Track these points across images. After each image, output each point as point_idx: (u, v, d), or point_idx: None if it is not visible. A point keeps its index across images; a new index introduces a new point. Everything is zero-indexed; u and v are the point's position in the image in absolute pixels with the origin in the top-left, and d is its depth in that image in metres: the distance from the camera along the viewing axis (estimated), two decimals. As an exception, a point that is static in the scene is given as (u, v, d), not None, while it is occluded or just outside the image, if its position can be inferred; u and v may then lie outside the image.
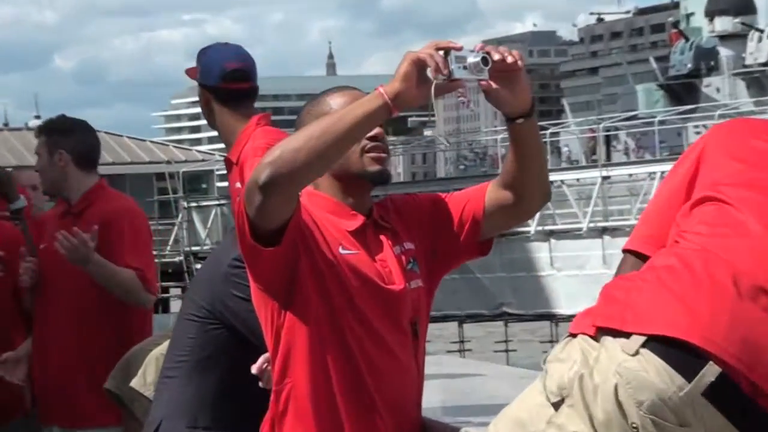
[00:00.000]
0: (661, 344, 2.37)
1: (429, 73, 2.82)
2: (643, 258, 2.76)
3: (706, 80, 66.91)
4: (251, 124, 5.10)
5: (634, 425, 2.39)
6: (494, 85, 2.96)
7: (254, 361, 3.64)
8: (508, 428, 2.67)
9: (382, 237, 3.28)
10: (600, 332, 2.46)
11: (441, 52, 2.84)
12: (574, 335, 2.53)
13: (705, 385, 2.34)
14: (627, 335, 2.41)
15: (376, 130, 3.18)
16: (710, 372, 2.35)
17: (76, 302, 6.38)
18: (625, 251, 2.91)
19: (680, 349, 2.36)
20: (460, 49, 2.89)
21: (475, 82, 2.93)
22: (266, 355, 3.50)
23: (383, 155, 3.26)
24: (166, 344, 4.96)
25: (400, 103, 2.88)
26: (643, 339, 2.38)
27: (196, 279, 5.29)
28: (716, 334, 2.37)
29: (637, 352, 2.38)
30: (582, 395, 2.45)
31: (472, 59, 2.88)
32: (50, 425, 6.49)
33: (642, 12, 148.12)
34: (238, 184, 4.97)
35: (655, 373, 2.36)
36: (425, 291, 3.34)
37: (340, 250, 3.15)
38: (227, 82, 5.16)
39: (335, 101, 3.27)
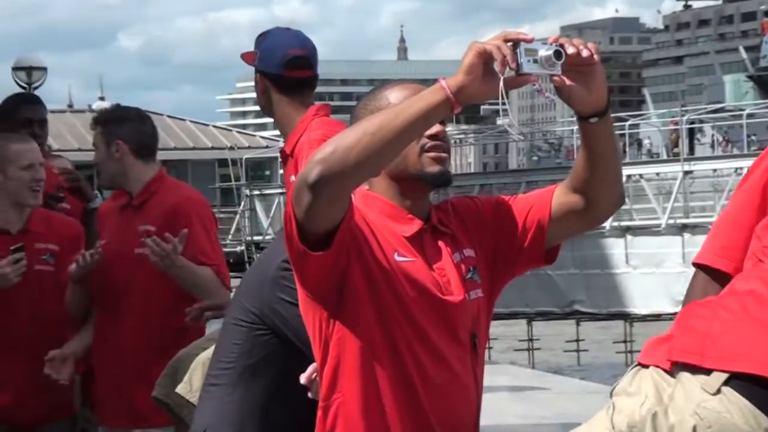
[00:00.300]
0: (746, 383, 2.29)
1: (495, 66, 2.70)
2: (716, 273, 2.77)
3: None
4: (309, 115, 5.07)
5: None
6: (567, 82, 2.79)
7: (303, 370, 3.60)
8: None
9: (440, 243, 3.15)
10: (676, 366, 2.40)
11: (510, 44, 2.71)
12: (644, 365, 2.48)
13: None
14: (707, 372, 2.32)
15: (437, 128, 3.04)
16: None
17: (140, 301, 6.22)
18: (696, 265, 2.90)
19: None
20: (531, 41, 2.76)
21: (546, 77, 2.81)
22: (316, 364, 3.39)
23: (444, 155, 3.11)
24: (212, 349, 4.76)
25: (463, 98, 2.74)
26: (725, 376, 2.29)
27: (244, 281, 4.68)
28: None
29: (718, 391, 2.29)
30: None
31: (543, 52, 2.73)
32: (109, 425, 6.44)
33: None
34: (293, 178, 4.67)
35: (739, 414, 2.28)
36: (485, 301, 3.22)
37: (396, 257, 3.04)
38: (289, 70, 5.11)
39: (394, 95, 3.12)
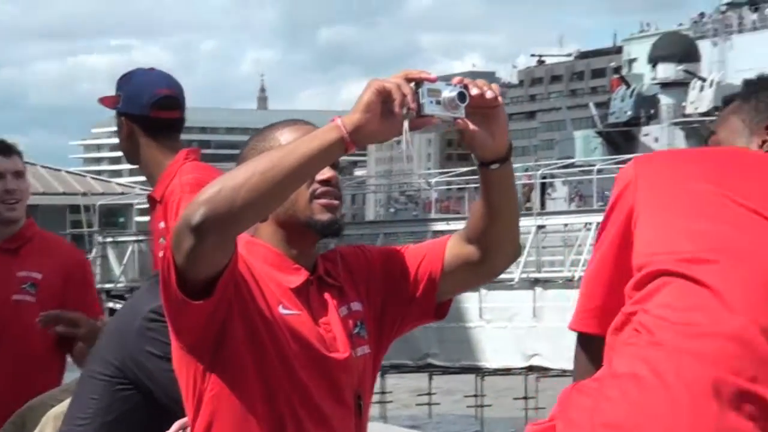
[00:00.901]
0: None
1: (395, 106, 2.63)
2: (590, 337, 2.69)
3: (644, 129, 68.96)
4: (179, 159, 4.98)
5: None
6: (471, 126, 2.76)
7: (167, 428, 3.53)
8: None
9: (327, 295, 3.07)
10: None
11: (412, 84, 2.65)
12: None
13: None
14: None
15: (329, 173, 2.99)
16: None
17: (18, 348, 5.94)
18: (572, 330, 2.81)
19: None
20: (434, 80, 2.72)
21: (449, 120, 2.75)
22: (182, 420, 3.38)
23: (336, 202, 3.06)
24: (67, 402, 4.51)
25: (359, 138, 2.70)
26: None
27: (105, 331, 4.59)
28: None
29: None
30: None
31: (447, 93, 2.69)
32: None
33: (584, 55, 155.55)
34: (162, 224, 4.98)
35: None
36: (372, 358, 3.13)
37: (280, 309, 2.96)
38: (156, 110, 4.99)
39: (285, 136, 3.03)
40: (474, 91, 2.70)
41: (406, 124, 2.64)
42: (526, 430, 2.60)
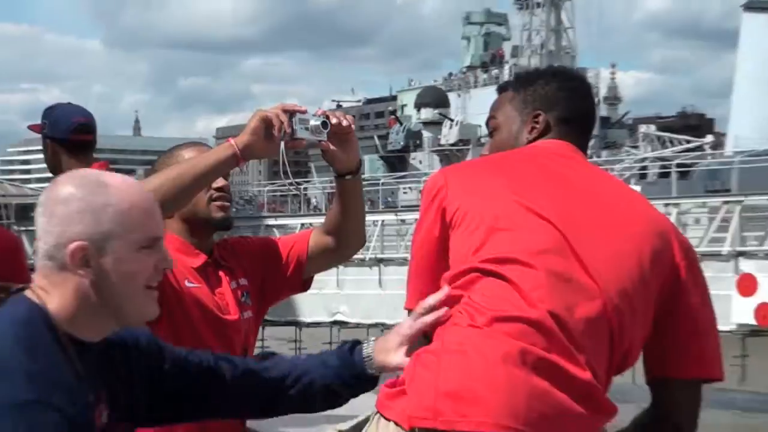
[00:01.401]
0: None
1: (274, 131, 2.86)
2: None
3: (413, 155, 74.37)
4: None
5: None
6: (332, 146, 3.00)
7: None
8: None
9: (221, 273, 3.31)
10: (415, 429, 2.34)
11: (287, 114, 2.88)
12: (386, 417, 2.43)
13: None
14: None
15: (222, 182, 3.25)
16: None
17: None
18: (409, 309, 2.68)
19: None
20: (304, 112, 2.93)
21: (315, 142, 2.96)
22: None
23: (227, 204, 3.34)
24: None
25: (247, 154, 2.93)
26: None
27: None
28: (514, 418, 2.27)
29: None
30: None
31: (313, 122, 2.90)
32: None
33: (369, 102, 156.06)
34: None
35: None
36: (254, 321, 3.39)
37: (186, 283, 3.18)
38: (75, 134, 5.02)
39: (187, 153, 3.27)
40: (334, 120, 2.97)
41: (282, 145, 2.92)
42: (381, 388, 2.56)
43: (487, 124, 2.95)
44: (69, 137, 4.96)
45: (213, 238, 3.33)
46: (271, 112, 2.87)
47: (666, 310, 2.52)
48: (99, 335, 2.12)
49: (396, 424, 2.33)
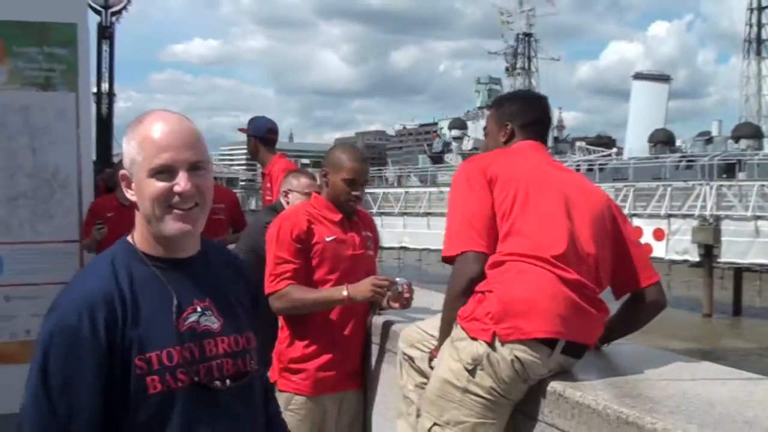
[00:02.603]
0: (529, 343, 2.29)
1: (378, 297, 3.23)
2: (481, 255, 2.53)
3: (446, 155, 77.07)
4: (277, 156, 5.78)
5: None
6: (397, 306, 3.32)
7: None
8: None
9: (353, 226, 3.55)
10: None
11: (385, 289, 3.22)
12: (472, 337, 2.37)
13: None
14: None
15: (358, 191, 3.46)
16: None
17: None
18: (461, 253, 2.57)
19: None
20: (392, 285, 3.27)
21: (396, 307, 3.31)
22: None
23: (358, 202, 3.51)
24: None
25: (350, 301, 3.26)
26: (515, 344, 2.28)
27: (244, 231, 5.14)
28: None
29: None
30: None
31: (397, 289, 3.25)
32: None
33: (422, 125, 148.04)
34: (269, 185, 5.70)
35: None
36: (373, 258, 3.69)
37: (326, 238, 3.38)
38: (268, 134, 5.74)
39: (340, 153, 3.51)
40: (406, 295, 3.24)
41: (384, 302, 3.27)
42: (466, 310, 2.47)
43: (484, 129, 3.05)
44: (265, 135, 5.72)
45: (352, 207, 3.48)
46: (378, 289, 3.19)
47: (616, 238, 2.63)
48: (170, 253, 1.90)
49: (474, 338, 2.32)
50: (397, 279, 3.28)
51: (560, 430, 2.16)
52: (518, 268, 2.40)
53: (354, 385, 3.39)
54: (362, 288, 3.18)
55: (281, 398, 3.17)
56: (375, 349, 3.50)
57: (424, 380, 2.65)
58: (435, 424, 2.36)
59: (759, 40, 70.60)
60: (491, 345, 2.32)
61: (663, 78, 74.33)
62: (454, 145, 78.11)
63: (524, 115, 2.85)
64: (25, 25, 6.27)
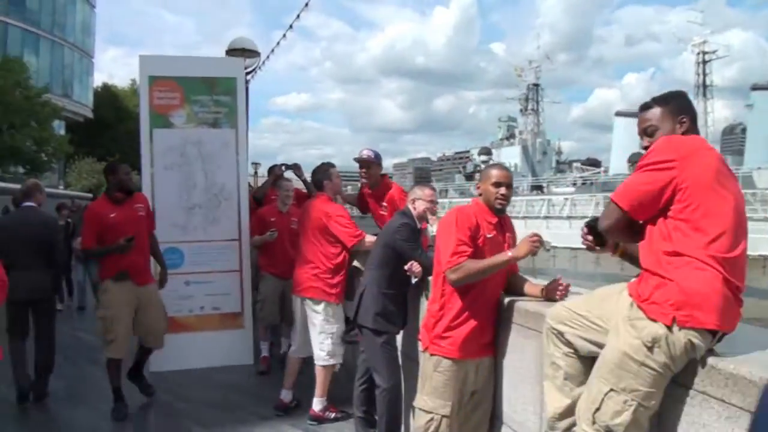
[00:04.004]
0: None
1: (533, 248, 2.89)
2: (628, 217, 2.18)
3: (476, 175, 67.10)
4: (385, 179, 5.15)
5: None
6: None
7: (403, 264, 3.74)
8: None
9: (502, 228, 3.18)
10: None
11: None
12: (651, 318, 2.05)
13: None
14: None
15: (505, 191, 3.11)
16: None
17: None
18: (618, 204, 2.19)
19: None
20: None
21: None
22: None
23: (505, 203, 3.14)
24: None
25: (514, 260, 2.95)
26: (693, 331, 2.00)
27: (381, 231, 4.25)
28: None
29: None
30: None
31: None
32: None
33: (457, 153, 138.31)
34: (384, 204, 5.05)
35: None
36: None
37: (487, 235, 3.07)
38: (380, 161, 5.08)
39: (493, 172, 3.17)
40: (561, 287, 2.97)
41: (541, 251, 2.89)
42: (649, 293, 2.09)
43: (645, 130, 2.36)
44: (379, 162, 5.04)
45: (501, 205, 3.12)
46: (535, 243, 2.89)
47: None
48: None
49: (653, 320, 2.02)
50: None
51: (712, 397, 1.91)
52: (697, 265, 2.06)
53: (489, 353, 3.14)
54: (522, 247, 2.93)
55: (431, 361, 3.06)
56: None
57: (570, 350, 2.43)
58: (611, 389, 2.11)
59: (704, 85, 70.82)
60: (669, 328, 2.03)
61: (636, 115, 74.30)
62: (482, 166, 73.58)
63: (692, 109, 2.43)
64: (199, 79, 6.40)
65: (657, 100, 2.39)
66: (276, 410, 4.94)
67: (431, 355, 3.07)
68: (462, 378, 3.04)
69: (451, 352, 3.03)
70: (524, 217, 32.92)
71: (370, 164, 5.00)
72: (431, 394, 3.03)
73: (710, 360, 1.95)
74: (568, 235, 28.36)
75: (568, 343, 2.43)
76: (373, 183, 5.06)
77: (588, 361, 2.33)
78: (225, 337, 6.20)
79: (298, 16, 12.84)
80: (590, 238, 2.47)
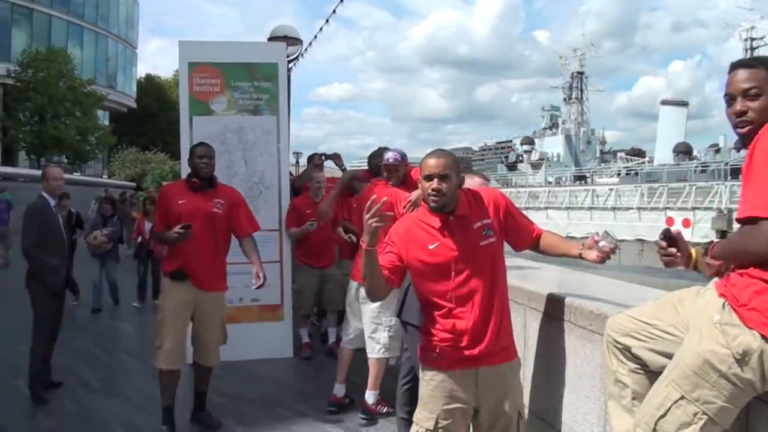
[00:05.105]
0: None
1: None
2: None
3: (519, 165, 72.47)
4: (408, 169, 4.48)
5: None
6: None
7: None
8: None
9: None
10: None
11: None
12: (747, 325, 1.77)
13: None
14: None
15: (437, 185, 2.56)
16: None
17: None
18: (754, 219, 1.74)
19: None
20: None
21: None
22: None
23: (438, 198, 2.57)
24: None
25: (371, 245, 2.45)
26: None
27: None
28: None
29: None
30: None
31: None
32: None
33: (499, 142, 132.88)
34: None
35: None
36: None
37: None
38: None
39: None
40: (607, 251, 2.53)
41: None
42: (753, 300, 1.78)
43: (746, 91, 1.93)
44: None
45: (442, 208, 2.57)
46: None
47: None
48: None
49: (750, 329, 1.74)
50: (602, 242, 2.55)
51: None
52: None
53: (489, 362, 2.64)
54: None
55: (420, 371, 2.72)
56: (536, 316, 2.96)
57: (638, 366, 2.16)
58: (683, 397, 1.86)
59: None
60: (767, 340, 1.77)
61: (682, 103, 74.19)
62: (524, 156, 74.17)
63: None
64: (240, 65, 6.28)
65: (760, 63, 2.00)
66: (330, 406, 4.81)
67: (421, 365, 2.76)
68: (450, 390, 2.64)
69: (434, 363, 2.67)
70: (567, 208, 32.15)
71: (398, 168, 4.49)
72: (420, 405, 2.72)
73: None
74: (612, 226, 27.72)
75: (636, 358, 2.16)
76: (400, 182, 4.56)
77: (658, 376, 2.05)
78: (264, 330, 6.10)
79: (341, 1, 12.52)
80: (672, 250, 2.13)
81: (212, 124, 6.09)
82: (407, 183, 4.47)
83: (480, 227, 2.62)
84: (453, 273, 2.56)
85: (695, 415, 1.84)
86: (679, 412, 1.86)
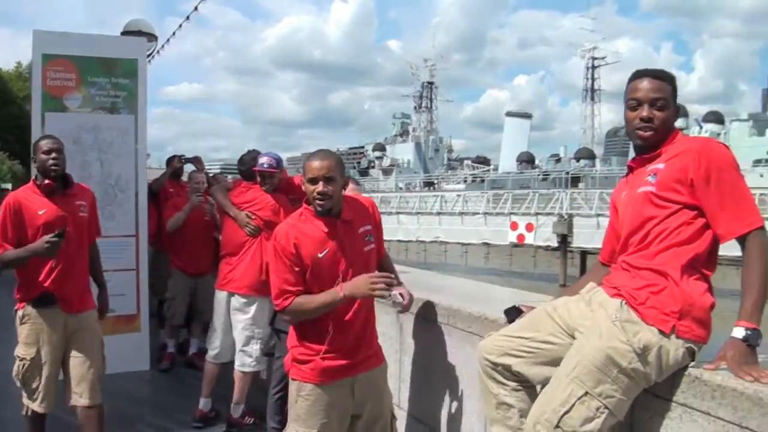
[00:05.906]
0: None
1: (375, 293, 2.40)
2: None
3: (370, 171, 74.80)
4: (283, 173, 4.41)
5: None
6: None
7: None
8: None
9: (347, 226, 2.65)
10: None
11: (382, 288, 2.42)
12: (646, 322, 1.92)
13: None
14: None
15: (322, 188, 2.50)
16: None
17: None
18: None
19: None
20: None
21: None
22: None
23: (323, 202, 2.52)
24: None
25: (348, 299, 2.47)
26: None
27: None
28: None
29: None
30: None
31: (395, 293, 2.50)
32: None
33: (351, 148, 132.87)
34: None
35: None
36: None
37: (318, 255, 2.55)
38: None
39: (314, 161, 2.52)
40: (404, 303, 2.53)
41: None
42: (646, 299, 1.95)
43: (655, 101, 2.06)
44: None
45: (328, 212, 2.53)
46: (370, 286, 2.41)
47: None
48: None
49: (650, 325, 1.89)
50: (393, 292, 2.52)
51: (696, 410, 1.83)
52: (697, 275, 1.96)
53: (365, 368, 2.66)
54: (359, 287, 2.48)
55: (293, 386, 2.66)
56: (411, 319, 3.01)
57: (518, 384, 2.20)
58: (587, 393, 1.93)
59: (593, 90, 78.45)
60: (666, 336, 1.90)
61: (526, 115, 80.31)
62: (376, 162, 77.53)
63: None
64: (97, 60, 5.93)
65: (666, 78, 2.12)
66: (195, 422, 4.62)
67: (292, 379, 2.68)
68: (330, 401, 2.61)
69: (311, 377, 2.61)
70: (417, 213, 33.10)
71: (273, 175, 4.29)
72: (296, 422, 2.63)
73: (694, 371, 1.87)
74: (460, 230, 29.42)
75: (515, 375, 2.19)
76: (273, 189, 4.37)
77: (540, 390, 2.13)
78: (119, 342, 5.69)
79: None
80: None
81: (66, 122, 5.67)
82: (283, 186, 4.31)
83: (363, 233, 2.61)
84: (341, 280, 2.51)
85: (597, 409, 1.92)
86: (583, 407, 1.93)
